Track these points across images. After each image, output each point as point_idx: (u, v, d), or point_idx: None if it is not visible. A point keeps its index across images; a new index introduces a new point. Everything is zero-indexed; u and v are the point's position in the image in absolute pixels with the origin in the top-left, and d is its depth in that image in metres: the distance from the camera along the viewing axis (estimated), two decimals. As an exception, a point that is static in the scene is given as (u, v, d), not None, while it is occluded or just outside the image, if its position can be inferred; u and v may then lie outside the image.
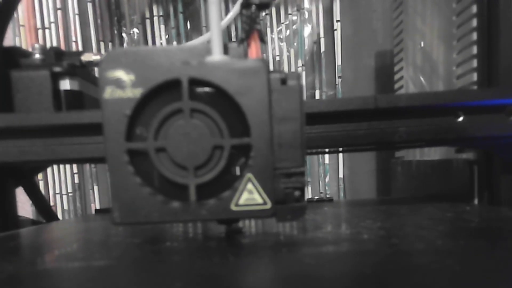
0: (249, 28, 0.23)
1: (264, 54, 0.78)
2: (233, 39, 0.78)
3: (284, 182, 0.22)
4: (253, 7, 0.23)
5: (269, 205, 0.21)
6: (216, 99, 0.21)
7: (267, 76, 0.21)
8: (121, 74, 0.21)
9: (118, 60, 0.21)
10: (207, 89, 0.21)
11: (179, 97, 0.21)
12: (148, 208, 0.21)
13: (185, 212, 0.21)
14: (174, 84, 0.21)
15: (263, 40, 0.24)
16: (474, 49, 0.41)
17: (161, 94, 0.21)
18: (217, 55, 0.22)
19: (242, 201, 0.21)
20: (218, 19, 0.22)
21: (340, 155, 0.80)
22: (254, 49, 0.23)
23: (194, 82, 0.21)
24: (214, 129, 0.21)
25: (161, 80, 0.21)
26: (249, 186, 0.21)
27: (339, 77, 0.79)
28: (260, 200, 0.21)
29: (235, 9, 0.31)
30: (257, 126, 0.21)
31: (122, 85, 0.21)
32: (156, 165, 0.21)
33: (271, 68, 0.78)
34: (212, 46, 0.22)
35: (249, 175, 0.21)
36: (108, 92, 0.21)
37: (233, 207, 0.22)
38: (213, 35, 0.22)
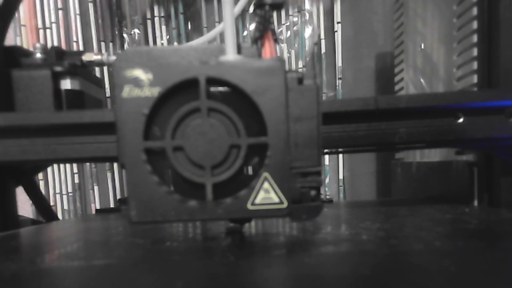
0: (263, 28, 0.23)
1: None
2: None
3: (300, 182, 0.22)
4: (267, 7, 0.23)
5: (285, 204, 0.21)
6: (229, 98, 0.21)
7: (284, 75, 0.21)
8: (139, 73, 0.21)
9: (135, 59, 0.21)
10: (221, 88, 0.21)
11: (194, 97, 0.21)
12: (165, 207, 0.21)
13: (201, 211, 0.21)
14: (190, 83, 0.21)
15: (276, 40, 0.24)
16: (475, 51, 0.41)
17: (177, 93, 0.21)
18: (231, 55, 0.22)
19: (258, 200, 0.21)
20: (232, 19, 0.22)
21: (340, 156, 0.80)
22: (268, 48, 0.23)
23: (212, 82, 0.21)
24: (230, 128, 0.21)
25: (179, 79, 0.21)
26: (266, 185, 0.21)
27: (340, 78, 0.79)
28: (276, 199, 0.21)
29: (238, 7, 0.31)
30: (274, 125, 0.21)
31: (141, 84, 0.21)
32: (173, 164, 0.21)
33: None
34: (226, 46, 0.22)
35: (265, 174, 0.21)
36: (126, 91, 0.21)
37: (249, 206, 0.22)
38: (227, 34, 0.22)
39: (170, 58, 0.22)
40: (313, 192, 0.22)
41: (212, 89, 0.21)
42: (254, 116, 0.21)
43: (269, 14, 0.23)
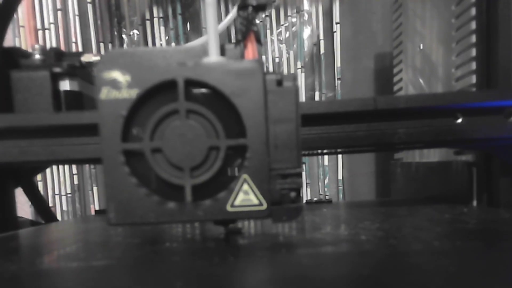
0: (246, 29, 0.23)
1: (263, 56, 0.78)
2: (233, 40, 0.78)
3: (280, 183, 0.22)
4: (250, 9, 0.23)
5: (264, 206, 0.22)
6: (212, 100, 0.21)
7: (262, 77, 0.21)
8: (117, 74, 0.21)
9: (115, 61, 0.21)
10: (203, 90, 0.21)
11: (175, 98, 0.21)
12: (144, 209, 0.21)
13: (181, 213, 0.22)
14: (171, 85, 0.21)
15: (259, 41, 0.24)
16: (473, 51, 0.41)
17: (158, 95, 0.21)
18: (213, 56, 0.22)
19: (238, 202, 0.22)
20: (215, 20, 0.22)
21: (340, 156, 0.80)
22: (250, 50, 0.23)
23: (191, 83, 0.21)
24: (210, 130, 0.21)
25: (157, 81, 0.21)
26: (245, 187, 0.21)
27: (339, 79, 0.79)
28: (256, 201, 0.22)
29: (234, 11, 0.31)
30: (253, 127, 0.21)
31: (118, 85, 0.21)
32: (152, 165, 0.21)
33: (270, 69, 0.78)
34: (209, 47, 0.22)
35: (244, 176, 0.21)
36: (104, 93, 0.21)
37: (229, 208, 0.22)
38: (210, 36, 0.22)
39: (152, 60, 0.22)
40: (293, 194, 0.22)
41: (196, 90, 0.21)
42: (234, 118, 0.21)
43: (252, 15, 0.23)
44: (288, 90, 0.22)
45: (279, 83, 0.22)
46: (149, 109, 0.21)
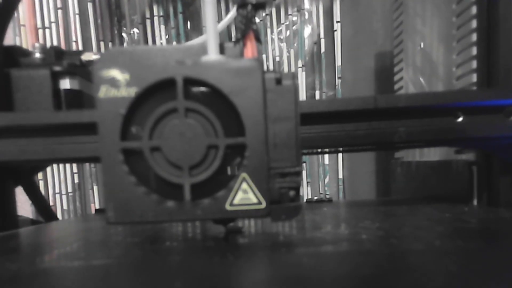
0: (245, 28, 0.23)
1: (264, 55, 0.78)
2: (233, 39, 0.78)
3: (279, 182, 0.22)
4: (249, 7, 0.23)
5: (263, 205, 0.21)
6: (211, 98, 0.21)
7: (261, 75, 0.21)
8: (115, 73, 0.21)
9: (114, 60, 0.21)
10: (203, 88, 0.21)
11: (174, 97, 0.21)
12: (142, 208, 0.21)
13: (180, 212, 0.21)
14: (170, 83, 0.21)
15: (259, 40, 0.24)
16: (474, 50, 0.41)
17: (157, 93, 0.21)
18: (213, 55, 0.22)
19: (236, 200, 0.21)
20: (214, 19, 0.22)
21: (340, 155, 0.80)
22: (250, 49, 0.23)
23: (190, 82, 0.21)
24: (209, 129, 0.21)
25: (155, 79, 0.21)
26: (244, 185, 0.21)
27: (339, 77, 0.79)
28: (254, 200, 0.21)
29: (234, 9, 0.31)
30: (251, 125, 0.21)
31: (117, 84, 0.21)
32: (151, 164, 0.21)
33: (271, 68, 0.78)
34: (208, 46, 0.22)
35: (243, 174, 0.21)
36: (103, 91, 0.21)
37: (227, 207, 0.22)
38: (209, 34, 0.22)
39: (151, 58, 0.22)
40: (292, 193, 0.22)
41: (195, 89, 0.21)
42: (233, 116, 0.21)
43: (251, 14, 0.23)
44: (287, 88, 0.21)
45: (278, 81, 0.22)
46: (147, 107, 0.21)
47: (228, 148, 0.21)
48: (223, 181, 0.22)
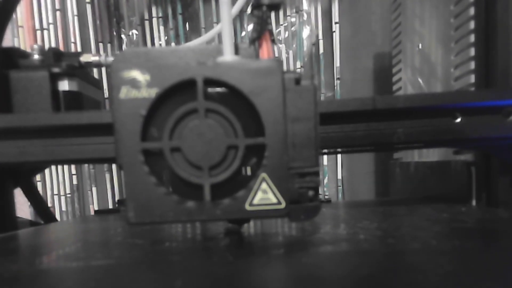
0: (261, 28, 0.23)
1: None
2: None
3: (298, 182, 0.22)
4: (264, 8, 0.23)
5: (283, 205, 0.21)
6: (227, 99, 0.21)
7: (281, 76, 0.21)
8: (136, 74, 0.21)
9: (132, 60, 0.21)
10: (218, 89, 0.21)
11: (191, 98, 0.21)
12: (163, 208, 0.21)
13: (199, 212, 0.21)
14: (187, 84, 0.21)
15: (274, 40, 0.24)
16: (472, 51, 0.41)
17: (174, 94, 0.21)
18: (228, 56, 0.22)
19: (256, 200, 0.21)
20: (229, 20, 0.22)
21: (339, 156, 0.80)
22: (265, 49, 0.23)
23: (209, 82, 0.21)
24: (228, 129, 0.21)
25: (176, 80, 0.21)
26: (264, 185, 0.21)
27: (338, 78, 0.79)
28: (274, 200, 0.21)
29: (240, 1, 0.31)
30: (271, 125, 0.21)
31: (138, 85, 0.21)
32: (171, 165, 0.21)
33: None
34: (223, 47, 0.22)
35: (263, 174, 0.21)
36: (124, 92, 0.21)
37: (247, 207, 0.21)
38: (224, 35, 0.22)
39: (168, 59, 0.22)
40: (311, 192, 0.22)
41: (210, 89, 0.21)
42: (252, 116, 0.21)
43: (266, 14, 0.23)
44: (307, 88, 0.22)
45: (298, 81, 0.22)
46: (165, 109, 0.21)
47: (246, 149, 0.21)
48: (240, 181, 0.22)
